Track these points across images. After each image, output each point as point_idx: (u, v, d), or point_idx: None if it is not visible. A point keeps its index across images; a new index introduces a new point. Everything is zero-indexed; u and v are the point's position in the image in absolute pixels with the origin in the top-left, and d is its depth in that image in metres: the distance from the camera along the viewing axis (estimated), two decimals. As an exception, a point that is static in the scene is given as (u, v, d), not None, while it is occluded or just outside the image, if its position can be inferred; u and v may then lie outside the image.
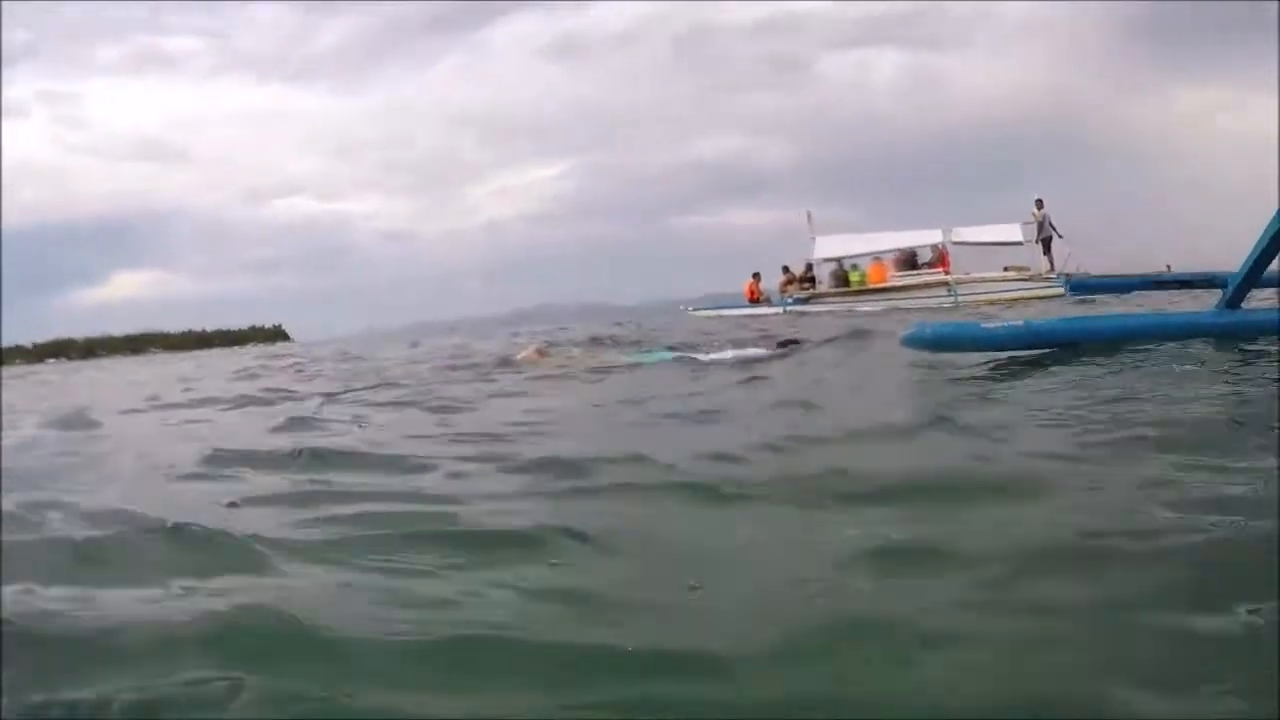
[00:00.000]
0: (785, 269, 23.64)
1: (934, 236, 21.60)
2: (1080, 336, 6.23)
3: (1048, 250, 21.30)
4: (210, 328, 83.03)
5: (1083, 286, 10.76)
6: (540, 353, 9.74)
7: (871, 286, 21.49)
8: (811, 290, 22.67)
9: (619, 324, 21.53)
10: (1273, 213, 5.93)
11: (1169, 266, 18.45)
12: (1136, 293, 10.53)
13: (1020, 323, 6.61)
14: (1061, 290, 15.89)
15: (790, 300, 22.30)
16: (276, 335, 79.28)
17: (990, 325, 6.55)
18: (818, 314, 19.01)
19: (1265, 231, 6.01)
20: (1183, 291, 9.08)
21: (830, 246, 22.88)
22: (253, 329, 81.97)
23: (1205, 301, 7.13)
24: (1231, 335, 6.05)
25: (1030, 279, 19.94)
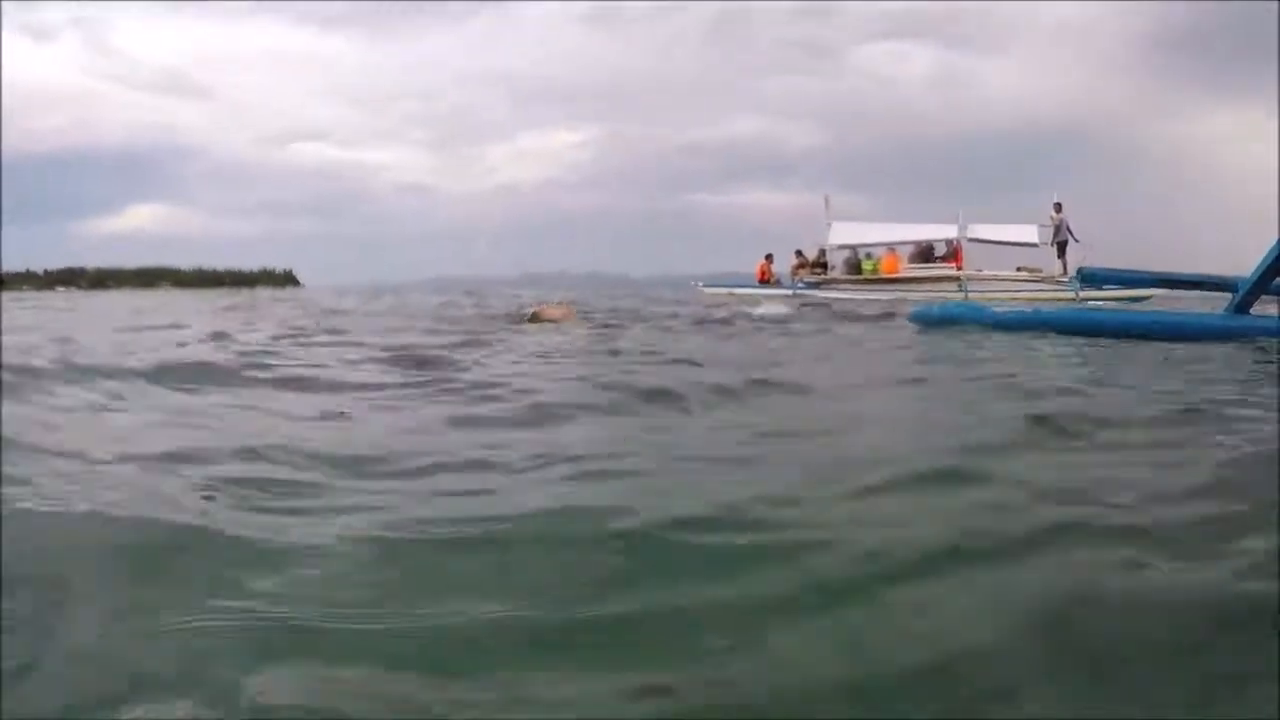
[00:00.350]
0: (798, 253, 23.56)
1: (950, 232, 21.55)
2: (1087, 328, 6.24)
3: (1062, 254, 21.24)
4: (222, 267, 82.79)
5: (1093, 277, 10.73)
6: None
7: (884, 276, 21.45)
8: (823, 275, 22.61)
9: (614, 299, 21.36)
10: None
11: (1183, 276, 18.54)
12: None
13: (1029, 309, 6.65)
14: (1072, 295, 15.87)
15: (801, 284, 22.25)
16: (287, 280, 79.17)
17: (999, 308, 6.59)
18: (827, 299, 18.99)
19: (1274, 244, 6.02)
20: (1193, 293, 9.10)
21: (846, 233, 22.81)
22: (264, 271, 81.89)
23: (1215, 304, 7.14)
24: (1239, 339, 6.06)
25: (1042, 280, 19.92)
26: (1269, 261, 6.16)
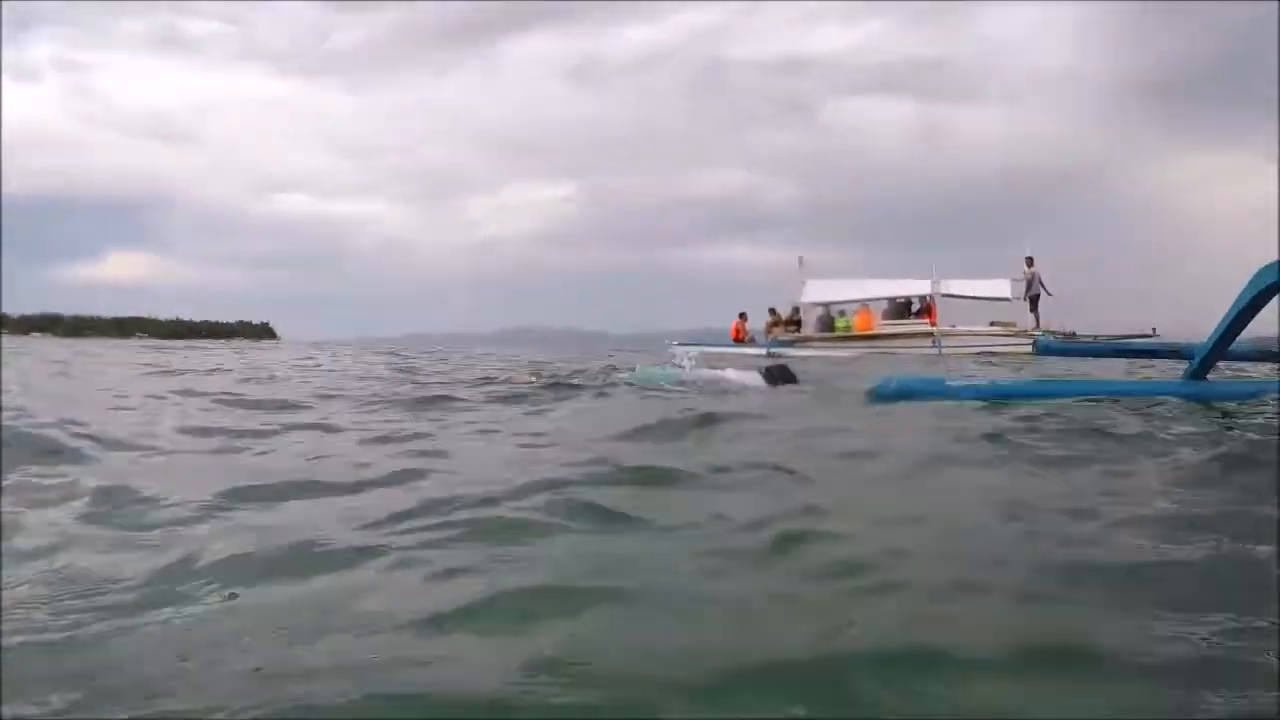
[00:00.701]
0: (772, 311, 23.66)
1: (922, 288, 21.72)
2: (1044, 397, 6.21)
3: (1035, 307, 21.42)
4: (200, 318, 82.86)
5: (1049, 349, 10.75)
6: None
7: (857, 333, 21.55)
8: (797, 334, 22.69)
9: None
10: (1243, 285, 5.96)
11: (1154, 330, 18.62)
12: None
13: (986, 381, 6.63)
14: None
15: (775, 342, 22.32)
16: (264, 333, 79.17)
17: (955, 381, 6.57)
18: (802, 358, 19.02)
19: (1233, 305, 6.03)
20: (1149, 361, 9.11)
21: (819, 291, 22.96)
22: (241, 324, 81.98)
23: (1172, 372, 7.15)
24: (1196, 404, 6.05)
25: (1016, 335, 20.03)
26: (1224, 327, 6.15)
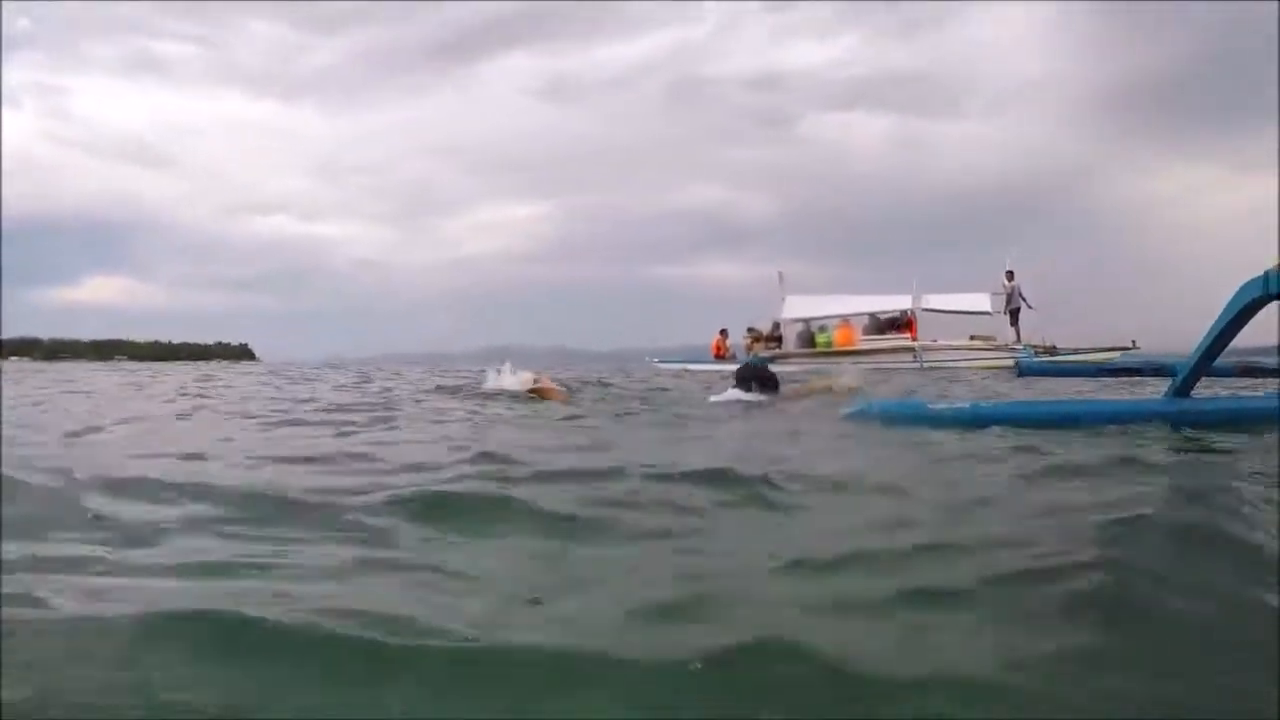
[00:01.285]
0: (750, 330, 23.51)
1: (903, 302, 21.68)
2: (1027, 420, 6.10)
3: (1015, 321, 21.42)
4: (178, 340, 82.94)
5: (1030, 369, 10.70)
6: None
7: (838, 349, 21.47)
8: (777, 350, 22.59)
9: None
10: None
11: (1134, 342, 18.63)
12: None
13: (966, 405, 6.51)
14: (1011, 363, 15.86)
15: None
16: (243, 354, 79.06)
17: (936, 406, 6.46)
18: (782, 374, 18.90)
19: (1215, 323, 5.94)
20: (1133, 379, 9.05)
21: (799, 307, 22.90)
22: (219, 345, 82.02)
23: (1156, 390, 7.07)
24: (1180, 423, 5.96)
25: (996, 349, 20.00)
26: (1207, 344, 6.06)
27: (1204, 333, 6.03)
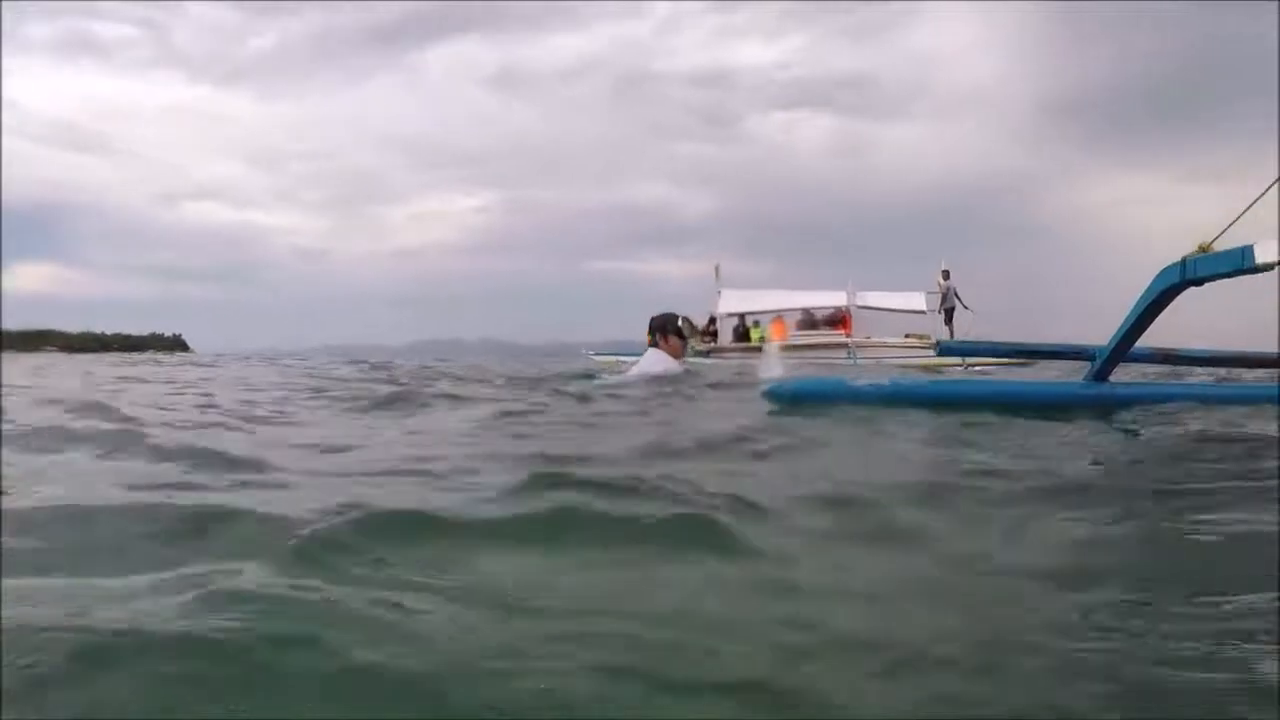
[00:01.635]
0: (685, 320, 23.50)
1: (838, 299, 21.73)
2: (945, 399, 6.10)
3: (949, 320, 21.59)
4: (111, 330, 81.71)
5: (950, 349, 10.77)
6: None
7: (771, 343, 21.49)
8: (712, 344, 22.60)
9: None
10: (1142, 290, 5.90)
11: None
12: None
13: (886, 381, 6.49)
14: (959, 362, 15.90)
15: (691, 351, 22.17)
16: (176, 345, 77.96)
17: (856, 382, 6.42)
18: (715, 367, 18.90)
19: (1133, 309, 5.96)
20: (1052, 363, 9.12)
21: (734, 301, 22.90)
22: (153, 336, 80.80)
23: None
24: (1098, 407, 5.99)
25: (930, 347, 20.11)
26: (1125, 330, 6.08)
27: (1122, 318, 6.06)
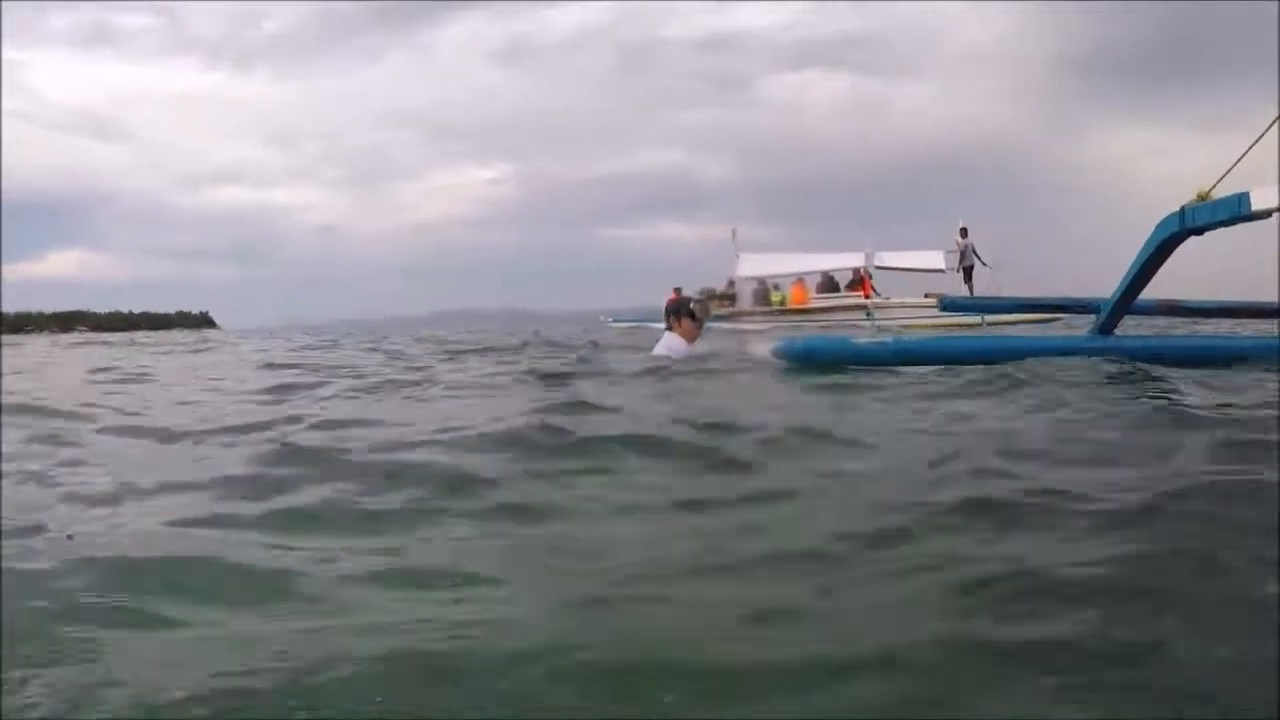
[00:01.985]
0: (702, 290, 23.49)
1: (856, 260, 21.62)
2: (951, 356, 6.16)
3: (969, 278, 21.45)
4: (139, 310, 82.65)
5: (955, 305, 10.81)
6: None
7: (792, 307, 21.49)
8: (732, 308, 22.60)
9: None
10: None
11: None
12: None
13: (890, 339, 6.57)
14: (978, 320, 15.84)
15: (711, 317, 22.16)
16: (203, 322, 78.82)
17: (861, 341, 6.50)
18: (736, 331, 18.94)
19: (1134, 261, 6.00)
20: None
21: (753, 265, 22.81)
22: (180, 314, 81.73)
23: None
24: (1101, 358, 6.04)
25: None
26: (1128, 282, 6.13)
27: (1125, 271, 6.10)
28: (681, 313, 8.00)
